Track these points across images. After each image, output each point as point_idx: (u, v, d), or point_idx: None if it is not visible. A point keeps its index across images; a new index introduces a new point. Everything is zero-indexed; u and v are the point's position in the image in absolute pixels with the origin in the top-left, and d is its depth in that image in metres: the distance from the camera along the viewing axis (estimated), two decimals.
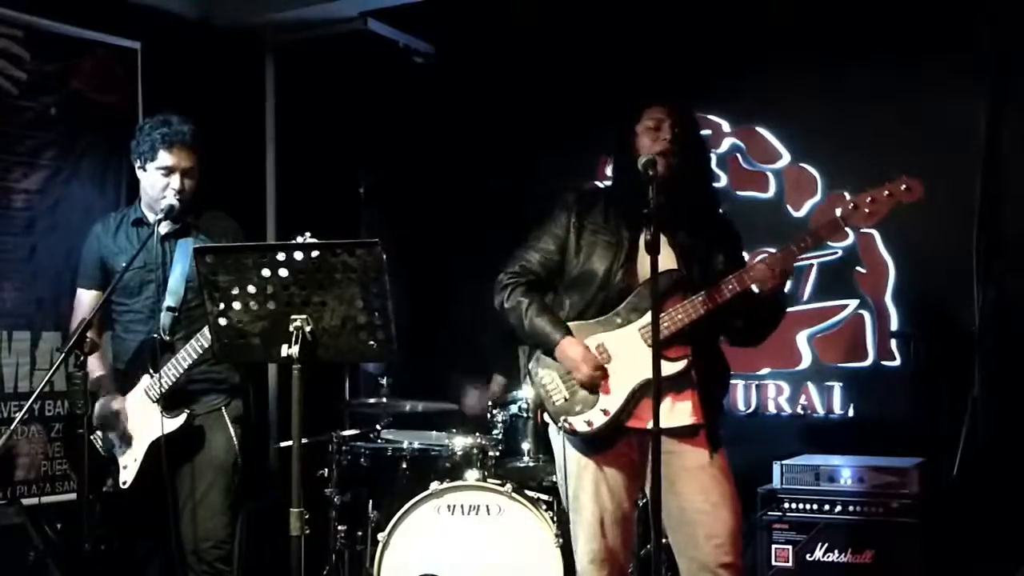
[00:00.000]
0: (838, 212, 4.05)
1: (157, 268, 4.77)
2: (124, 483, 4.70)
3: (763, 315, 4.21)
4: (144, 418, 4.70)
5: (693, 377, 4.12)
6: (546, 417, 4.29)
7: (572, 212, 4.27)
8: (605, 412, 4.11)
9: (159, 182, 4.73)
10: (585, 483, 4.20)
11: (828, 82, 6.03)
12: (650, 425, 3.73)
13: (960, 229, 5.62)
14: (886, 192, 3.99)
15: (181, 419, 4.66)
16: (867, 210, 4.01)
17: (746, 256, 4.45)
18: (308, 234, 4.37)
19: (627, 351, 4.10)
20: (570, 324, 4.18)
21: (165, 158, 4.71)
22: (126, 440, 4.73)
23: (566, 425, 4.15)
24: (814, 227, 4.14)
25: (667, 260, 4.09)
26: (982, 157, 5.65)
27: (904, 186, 3.99)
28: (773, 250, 5.80)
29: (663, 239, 3.98)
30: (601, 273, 4.16)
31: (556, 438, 4.31)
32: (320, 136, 7.07)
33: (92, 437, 4.73)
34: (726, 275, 4.08)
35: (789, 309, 5.99)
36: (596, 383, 4.11)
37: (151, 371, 4.67)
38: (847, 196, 4.06)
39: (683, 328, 4.06)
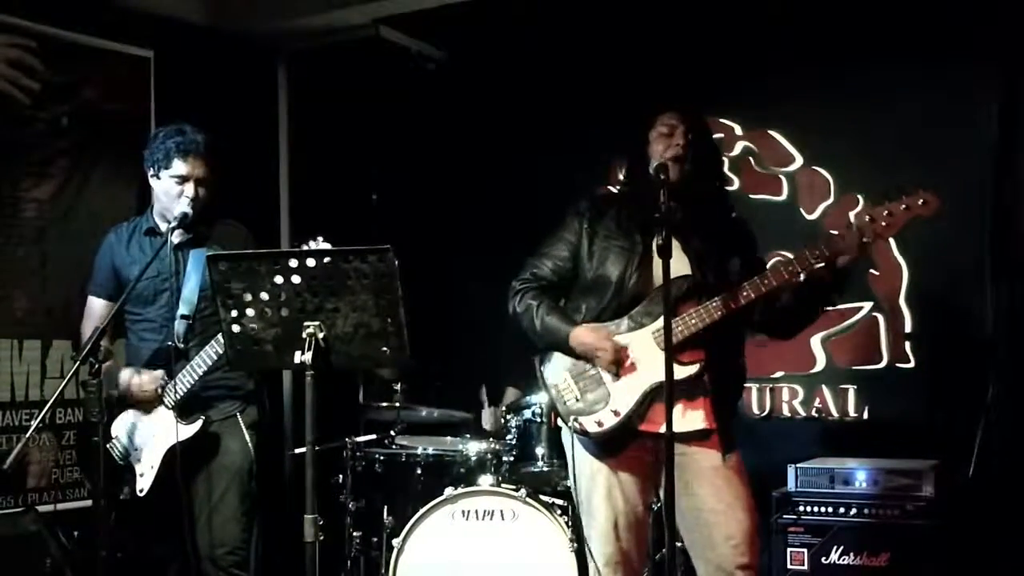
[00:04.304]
0: (855, 224, 4.05)
1: (170, 277, 4.78)
2: (141, 490, 4.72)
3: (807, 303, 4.20)
4: (160, 425, 4.71)
5: (706, 382, 4.12)
6: (559, 420, 4.30)
7: (584, 218, 4.29)
8: (616, 413, 4.12)
9: (172, 190, 4.75)
10: (598, 486, 4.20)
11: (840, 85, 6.03)
12: (663, 429, 3.73)
13: (973, 230, 5.62)
14: (903, 206, 3.99)
15: (196, 425, 4.68)
16: (884, 223, 4.00)
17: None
18: (320, 238, 4.41)
19: (640, 354, 4.11)
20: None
21: (179, 167, 4.73)
22: (142, 444, 4.74)
23: (577, 425, 4.16)
24: (828, 238, 4.12)
25: (681, 265, 4.11)
26: (995, 158, 5.64)
27: (921, 200, 3.98)
28: (787, 253, 5.87)
29: (677, 244, 4.00)
30: (615, 278, 4.17)
31: (569, 442, 4.31)
32: (333, 142, 7.08)
33: (108, 445, 4.75)
34: (743, 279, 4.09)
35: None
36: (619, 360, 4.11)
37: (166, 378, 4.69)
38: (864, 207, 4.06)
39: (697, 333, 4.06)
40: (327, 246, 4.37)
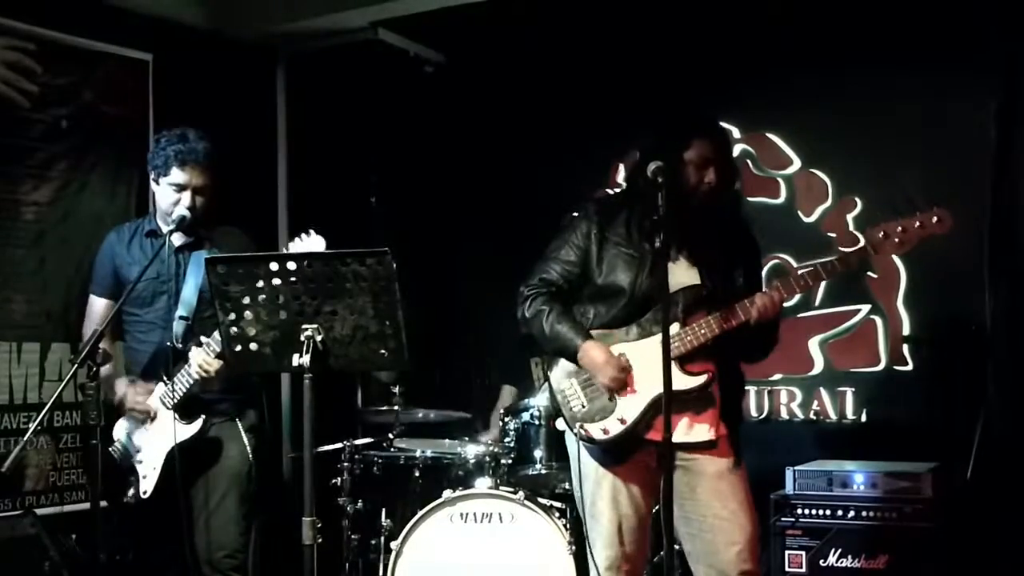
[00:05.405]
0: (868, 241, 4.06)
1: (170, 279, 4.79)
2: (145, 492, 4.71)
3: (759, 339, 4.22)
4: (160, 426, 4.71)
5: (714, 393, 4.13)
6: (561, 424, 4.28)
7: (593, 222, 4.25)
8: (622, 421, 4.11)
9: (170, 197, 4.75)
10: (604, 490, 4.20)
11: (838, 87, 6.03)
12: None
13: (971, 232, 5.60)
14: (917, 223, 4.01)
15: (197, 425, 4.68)
16: (897, 240, 4.03)
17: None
18: (312, 231, 4.40)
19: (647, 362, 4.08)
20: (592, 333, 4.18)
21: (178, 175, 4.73)
22: (143, 446, 4.74)
23: (583, 432, 4.14)
24: (843, 254, 4.13)
25: (691, 275, 4.13)
26: (993, 159, 5.63)
27: (935, 218, 4.00)
28: (786, 256, 5.88)
29: (686, 253, 4.07)
30: (627, 286, 4.15)
31: (572, 445, 4.31)
32: (331, 145, 7.08)
33: (109, 448, 4.75)
34: (748, 292, 4.10)
35: (801, 315, 6.06)
36: (620, 385, 4.10)
37: (165, 379, 4.69)
38: (878, 223, 4.07)
39: (705, 343, 4.06)
40: (319, 239, 4.38)
